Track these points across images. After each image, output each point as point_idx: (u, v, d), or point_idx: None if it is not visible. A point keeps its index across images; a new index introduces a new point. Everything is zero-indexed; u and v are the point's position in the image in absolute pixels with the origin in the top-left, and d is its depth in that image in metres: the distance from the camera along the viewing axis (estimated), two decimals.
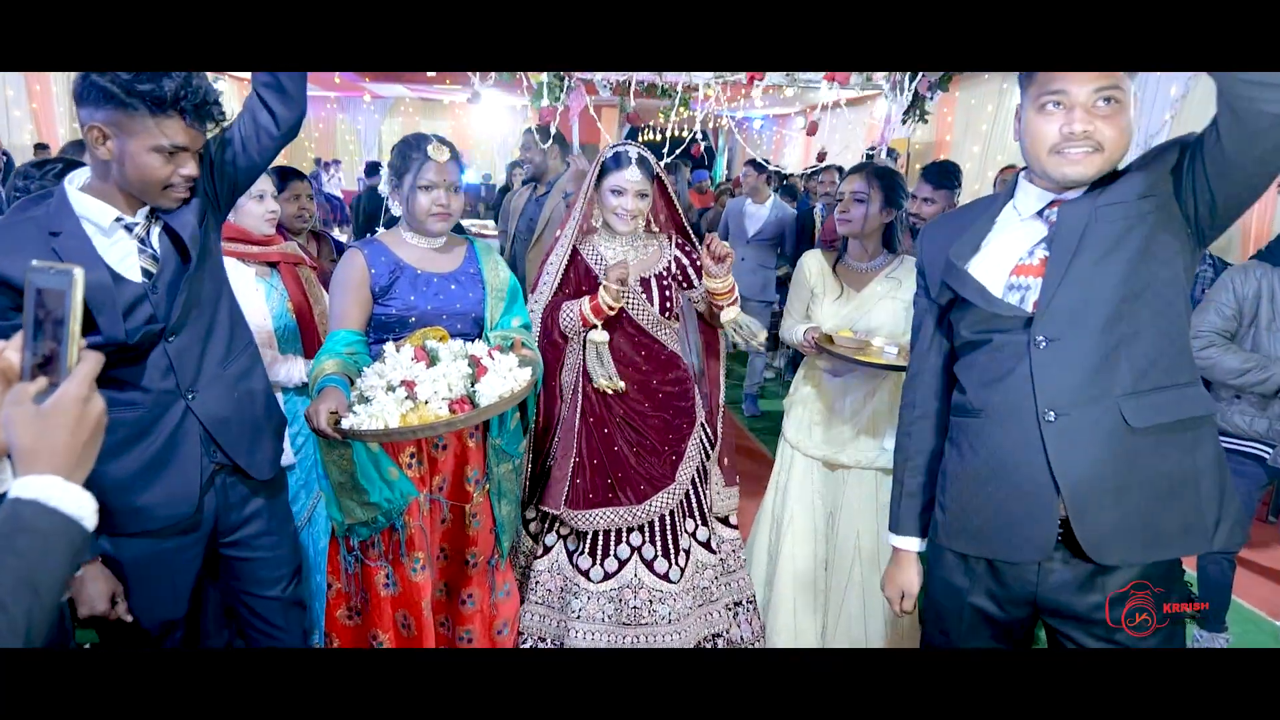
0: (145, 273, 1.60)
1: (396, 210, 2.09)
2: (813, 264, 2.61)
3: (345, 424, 1.65)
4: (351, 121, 13.47)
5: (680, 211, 2.49)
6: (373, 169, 9.05)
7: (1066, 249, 1.35)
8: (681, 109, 5.93)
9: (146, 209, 1.62)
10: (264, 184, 2.33)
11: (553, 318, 2.38)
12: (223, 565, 1.86)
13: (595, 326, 2.32)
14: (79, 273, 0.82)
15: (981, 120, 8.94)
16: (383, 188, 2.08)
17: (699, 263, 2.38)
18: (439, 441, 2.09)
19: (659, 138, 8.23)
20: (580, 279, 2.40)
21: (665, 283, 2.40)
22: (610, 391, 2.34)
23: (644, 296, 2.36)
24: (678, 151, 6.20)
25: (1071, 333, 1.34)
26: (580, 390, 2.38)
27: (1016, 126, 1.43)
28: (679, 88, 4.89)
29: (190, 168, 1.57)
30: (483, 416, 1.72)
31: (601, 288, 2.27)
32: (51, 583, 0.79)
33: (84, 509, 0.83)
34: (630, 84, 4.78)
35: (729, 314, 2.36)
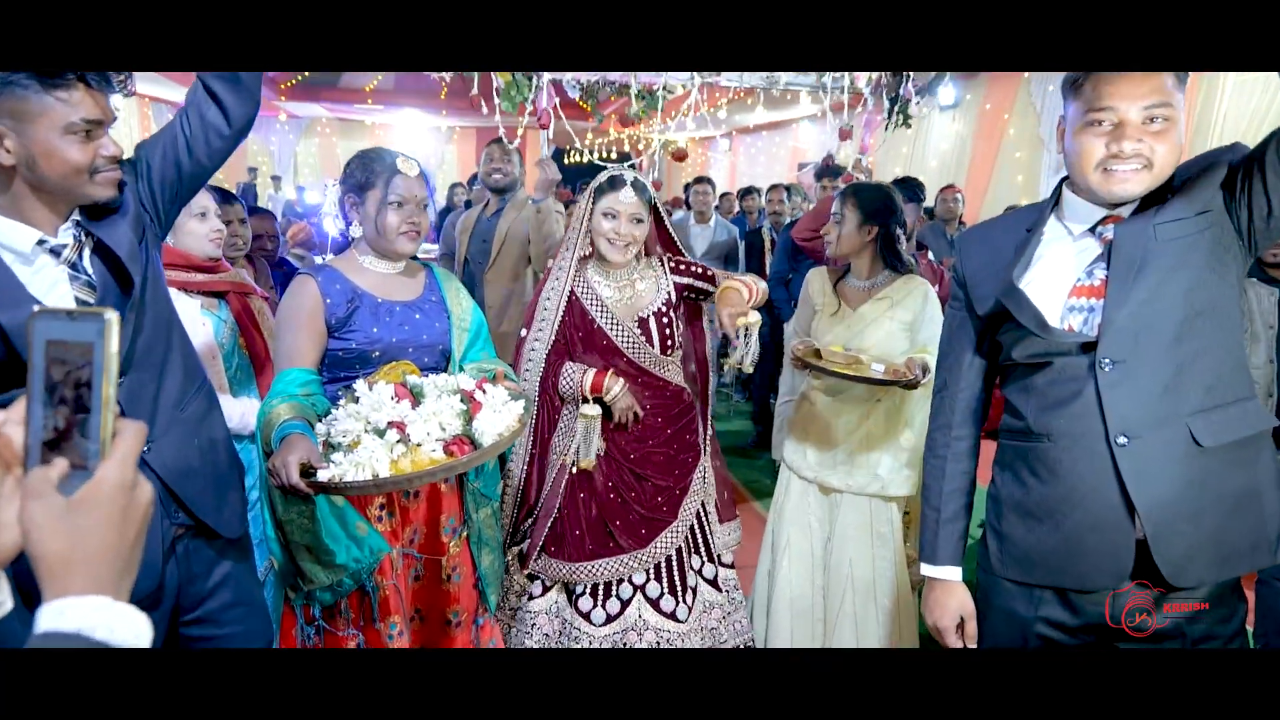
0: (81, 303, 1.34)
1: (355, 231, 1.87)
2: (816, 281, 2.58)
3: (323, 476, 1.41)
4: (265, 141, 12.89)
5: (673, 234, 2.36)
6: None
7: (1128, 271, 1.32)
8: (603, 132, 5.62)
9: (72, 226, 1.36)
10: (205, 200, 2.07)
11: (552, 375, 2.22)
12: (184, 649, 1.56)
13: (588, 400, 2.16)
14: (113, 317, 0.62)
15: (901, 142, 9.14)
16: (329, 206, 1.85)
17: (698, 270, 2.29)
18: (408, 490, 1.85)
19: (585, 160, 7.88)
20: (576, 322, 2.23)
21: (665, 320, 2.26)
22: (588, 467, 2.20)
23: (642, 338, 2.21)
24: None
25: (1138, 354, 1.32)
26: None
27: (1060, 141, 1.42)
28: (659, 90, 4.52)
29: (111, 147, 1.34)
30: (486, 457, 1.51)
31: (615, 381, 2.15)
32: None
33: (141, 636, 0.60)
34: (600, 86, 4.46)
35: (753, 316, 2.13)
